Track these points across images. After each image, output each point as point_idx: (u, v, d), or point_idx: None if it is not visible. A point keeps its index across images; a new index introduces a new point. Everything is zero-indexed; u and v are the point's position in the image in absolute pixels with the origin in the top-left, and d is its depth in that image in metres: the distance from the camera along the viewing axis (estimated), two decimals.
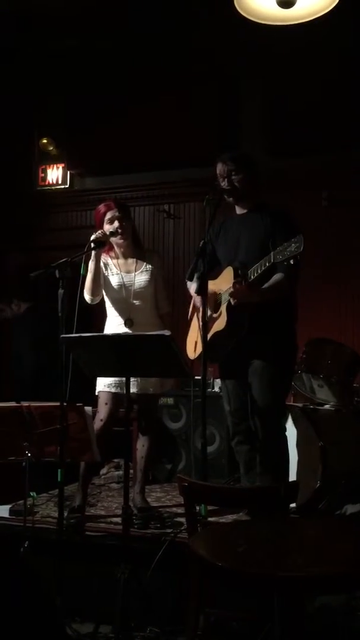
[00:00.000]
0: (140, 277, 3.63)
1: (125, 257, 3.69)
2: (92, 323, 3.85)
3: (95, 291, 3.59)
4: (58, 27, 5.20)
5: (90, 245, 3.43)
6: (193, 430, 4.03)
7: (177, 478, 2.35)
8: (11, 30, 5.16)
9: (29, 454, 2.98)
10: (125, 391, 2.87)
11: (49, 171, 6.36)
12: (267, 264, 3.08)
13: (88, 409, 3.05)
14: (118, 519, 3.33)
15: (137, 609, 2.67)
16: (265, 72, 5.37)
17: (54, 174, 6.35)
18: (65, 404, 2.90)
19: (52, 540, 3.00)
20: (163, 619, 2.78)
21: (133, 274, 3.64)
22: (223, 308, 3.28)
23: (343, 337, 4.43)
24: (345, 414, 3.84)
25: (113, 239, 3.58)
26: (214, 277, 3.40)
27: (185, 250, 5.77)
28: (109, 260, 3.67)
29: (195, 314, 3.49)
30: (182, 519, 3.25)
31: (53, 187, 6.35)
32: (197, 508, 2.52)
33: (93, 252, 3.49)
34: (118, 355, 2.76)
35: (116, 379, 3.49)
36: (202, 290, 2.98)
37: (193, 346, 3.46)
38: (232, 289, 3.18)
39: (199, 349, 3.08)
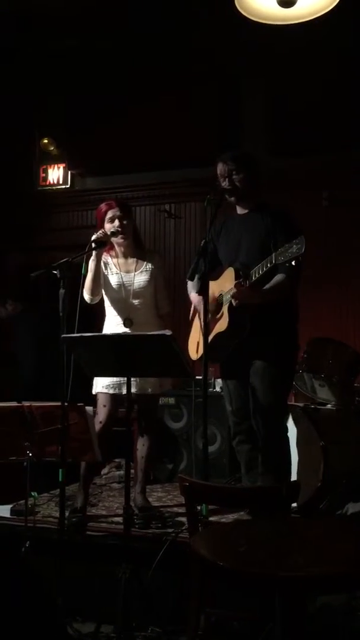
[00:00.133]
0: (139, 277, 3.63)
1: (126, 256, 3.68)
2: (93, 323, 3.84)
3: (94, 291, 3.58)
4: (58, 27, 5.20)
5: (91, 245, 3.42)
6: (194, 430, 4.03)
7: (179, 478, 2.35)
8: (11, 30, 5.16)
9: (30, 454, 2.97)
10: (123, 392, 2.87)
11: (49, 171, 6.37)
12: (268, 265, 3.07)
13: (89, 408, 3.05)
14: (119, 519, 3.34)
15: (138, 608, 2.67)
16: (265, 72, 5.38)
17: (55, 174, 6.36)
18: (66, 403, 2.90)
19: (53, 540, 3.01)
20: (164, 618, 2.77)
21: (133, 273, 3.63)
22: (225, 309, 3.27)
23: (343, 337, 4.42)
24: (347, 414, 3.84)
25: (114, 239, 3.57)
26: (215, 278, 3.41)
27: (186, 250, 5.77)
28: (109, 260, 3.66)
29: (197, 315, 3.49)
30: (183, 519, 3.24)
31: (54, 187, 6.36)
32: (198, 508, 2.52)
33: (94, 252, 3.49)
34: (119, 355, 2.75)
35: (114, 380, 3.48)
36: (203, 290, 2.98)
37: (195, 347, 3.46)
38: (234, 290, 3.18)
39: (201, 349, 3.09)
